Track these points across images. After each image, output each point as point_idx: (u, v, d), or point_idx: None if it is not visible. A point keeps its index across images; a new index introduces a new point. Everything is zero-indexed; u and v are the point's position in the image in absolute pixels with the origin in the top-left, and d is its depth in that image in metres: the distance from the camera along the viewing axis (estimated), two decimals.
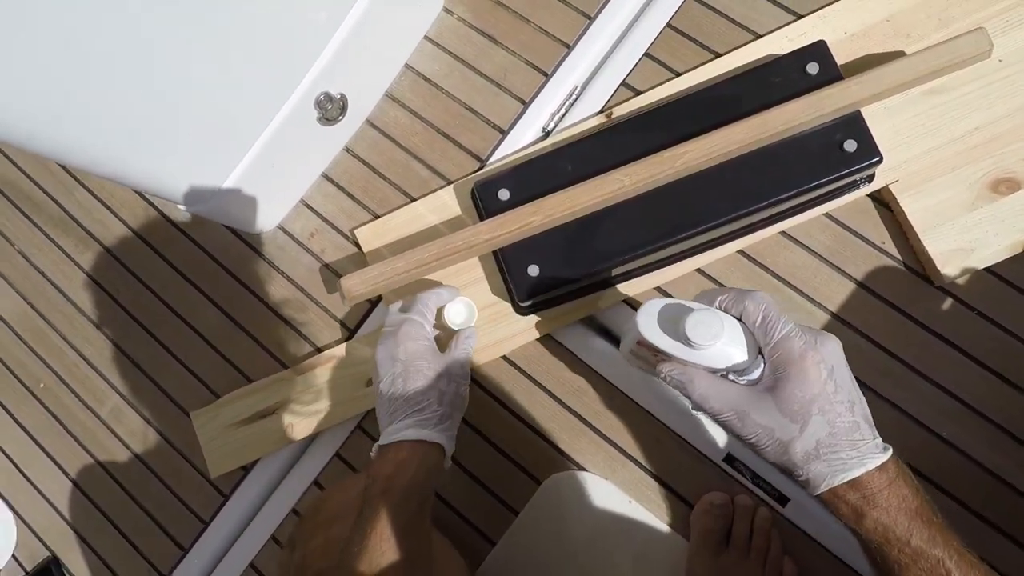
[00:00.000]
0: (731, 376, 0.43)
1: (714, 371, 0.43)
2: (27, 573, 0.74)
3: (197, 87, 0.55)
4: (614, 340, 0.64)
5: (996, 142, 0.58)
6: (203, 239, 0.75)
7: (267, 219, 0.71)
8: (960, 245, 0.58)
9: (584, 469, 0.63)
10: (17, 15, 0.42)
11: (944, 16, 0.61)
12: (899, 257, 0.60)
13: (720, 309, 0.43)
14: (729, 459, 0.60)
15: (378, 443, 0.52)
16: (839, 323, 0.60)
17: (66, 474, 0.75)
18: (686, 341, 0.41)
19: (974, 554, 0.39)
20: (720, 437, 0.61)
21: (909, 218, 0.58)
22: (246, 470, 0.70)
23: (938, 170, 0.58)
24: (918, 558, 0.37)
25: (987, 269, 0.58)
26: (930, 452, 0.57)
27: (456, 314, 0.61)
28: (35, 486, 0.76)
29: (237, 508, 0.69)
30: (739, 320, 0.43)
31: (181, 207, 0.64)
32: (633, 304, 0.63)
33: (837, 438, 0.39)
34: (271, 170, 0.66)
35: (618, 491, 0.62)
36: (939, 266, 0.57)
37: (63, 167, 0.80)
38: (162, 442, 0.73)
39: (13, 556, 0.75)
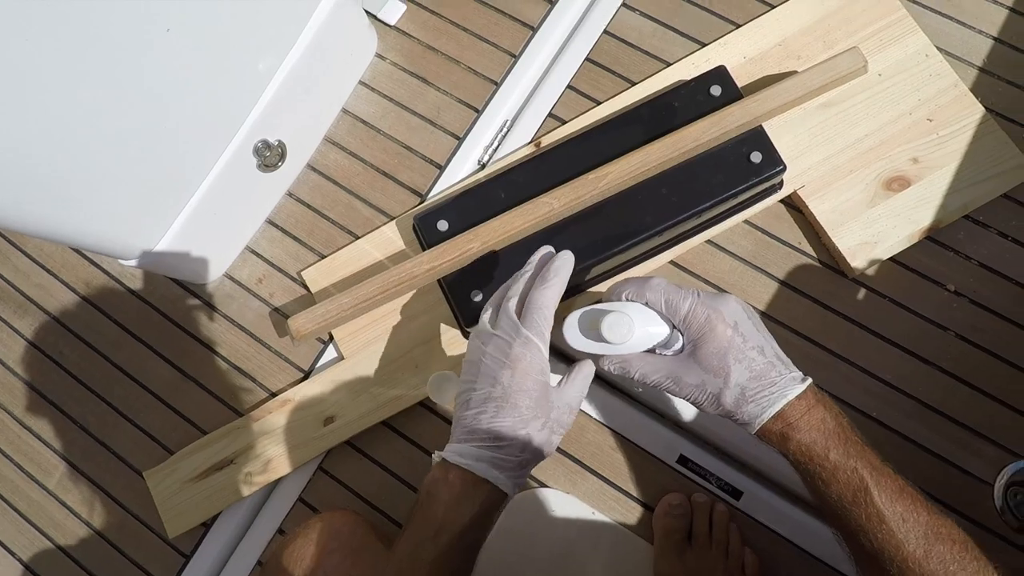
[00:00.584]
0: (659, 351, 0.48)
1: (645, 352, 0.48)
2: None
3: (132, 140, 0.55)
4: (564, 357, 0.66)
5: (884, 146, 0.64)
6: (148, 293, 0.74)
7: (213, 268, 0.71)
8: (865, 239, 0.63)
9: (546, 486, 0.64)
10: None
11: (828, 39, 0.67)
12: (814, 255, 0.65)
13: (627, 300, 0.47)
14: (682, 460, 0.63)
15: (445, 454, 0.45)
16: (768, 320, 0.64)
17: (13, 555, 0.71)
18: (606, 341, 0.46)
19: (890, 466, 0.43)
20: (672, 440, 0.63)
21: (818, 219, 0.63)
22: (207, 526, 0.68)
23: (838, 174, 0.64)
24: (836, 470, 0.42)
25: (891, 259, 0.64)
26: (862, 431, 0.61)
27: (610, 328, 0.45)
28: None
29: (200, 567, 0.67)
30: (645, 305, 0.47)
31: (123, 262, 0.64)
32: None
33: (757, 380, 0.44)
34: (213, 219, 0.67)
35: (581, 504, 0.63)
36: (849, 260, 0.62)
37: None
38: (116, 507, 0.70)
39: None
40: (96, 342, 0.73)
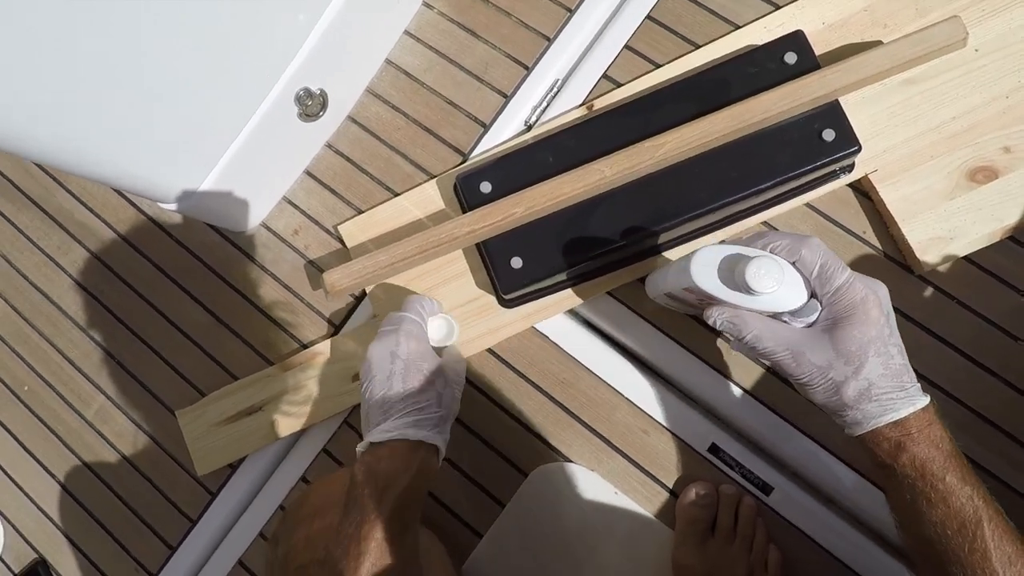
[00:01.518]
0: (785, 318, 0.43)
1: (766, 314, 0.42)
2: (14, 575, 0.73)
3: (175, 84, 0.54)
4: (598, 332, 0.64)
5: (973, 131, 0.58)
6: (186, 238, 0.73)
7: (250, 217, 0.70)
8: (939, 234, 0.57)
9: (570, 460, 0.62)
10: None
11: (921, 6, 0.60)
12: (879, 246, 0.60)
13: (772, 253, 0.42)
14: (714, 449, 0.60)
15: (368, 440, 0.50)
16: None
17: (53, 476, 0.74)
18: (746, 289, 0.40)
19: (998, 503, 0.40)
20: (705, 428, 0.60)
21: (888, 207, 0.58)
22: (233, 468, 0.69)
23: (916, 159, 0.58)
24: (949, 494, 0.38)
25: (966, 258, 0.58)
26: None
27: (436, 330, 0.57)
28: (21, 489, 0.74)
29: (224, 506, 0.68)
30: (792, 265, 0.42)
31: (163, 205, 0.63)
32: (616, 296, 0.63)
33: (888, 380, 0.40)
34: (252, 167, 0.65)
35: (604, 482, 0.61)
36: (919, 255, 0.57)
37: (42, 168, 0.78)
38: (149, 442, 0.71)
39: (0, 559, 0.74)
40: (134, 281, 0.74)
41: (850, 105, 0.57)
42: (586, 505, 0.61)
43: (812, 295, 0.42)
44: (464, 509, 0.63)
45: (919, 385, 0.42)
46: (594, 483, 0.61)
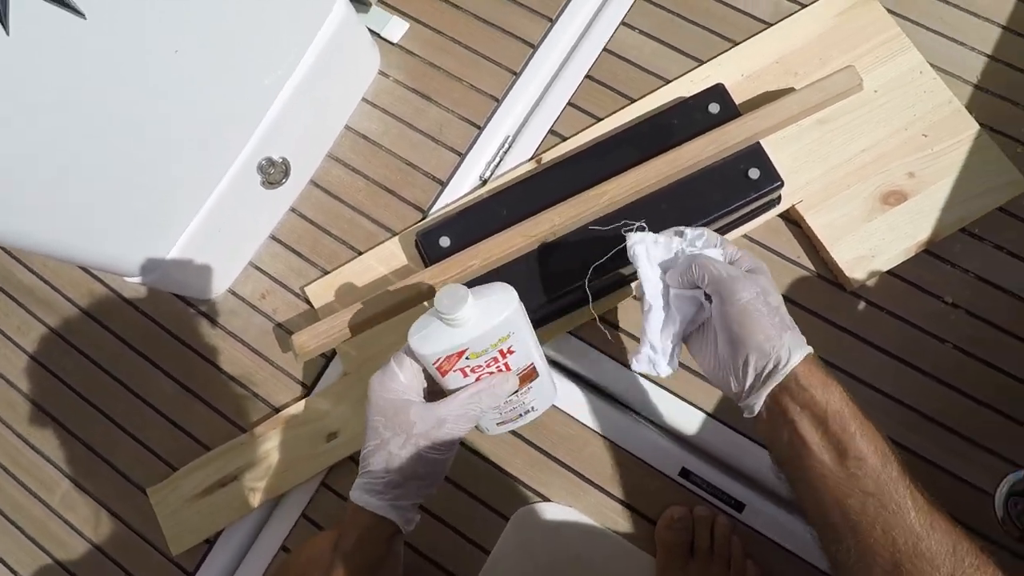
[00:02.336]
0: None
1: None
2: None
3: (138, 160, 0.55)
4: (565, 370, 0.66)
5: (880, 161, 0.64)
6: (152, 310, 0.73)
7: (217, 284, 0.71)
8: (863, 253, 0.63)
9: (549, 500, 0.63)
10: None
11: (824, 56, 0.68)
12: (813, 268, 0.65)
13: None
14: (684, 473, 0.62)
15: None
16: None
17: (14, 573, 0.70)
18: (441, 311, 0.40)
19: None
20: (674, 453, 0.62)
21: (816, 233, 0.63)
22: (210, 543, 0.67)
23: (835, 188, 0.64)
24: (868, 426, 0.40)
25: (889, 272, 0.63)
26: None
27: (441, 299, 0.41)
28: None
29: None
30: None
31: (128, 279, 0.63)
32: (577, 335, 0.65)
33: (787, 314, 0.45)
34: (218, 236, 0.66)
35: (584, 517, 0.62)
36: (848, 273, 0.62)
37: (2, 248, 0.77)
38: (119, 525, 0.69)
39: None
40: (99, 357, 0.72)
41: (772, 145, 0.63)
42: (569, 542, 0.62)
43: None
44: (449, 560, 0.63)
45: None
46: (574, 519, 0.62)
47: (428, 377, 0.45)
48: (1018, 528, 0.57)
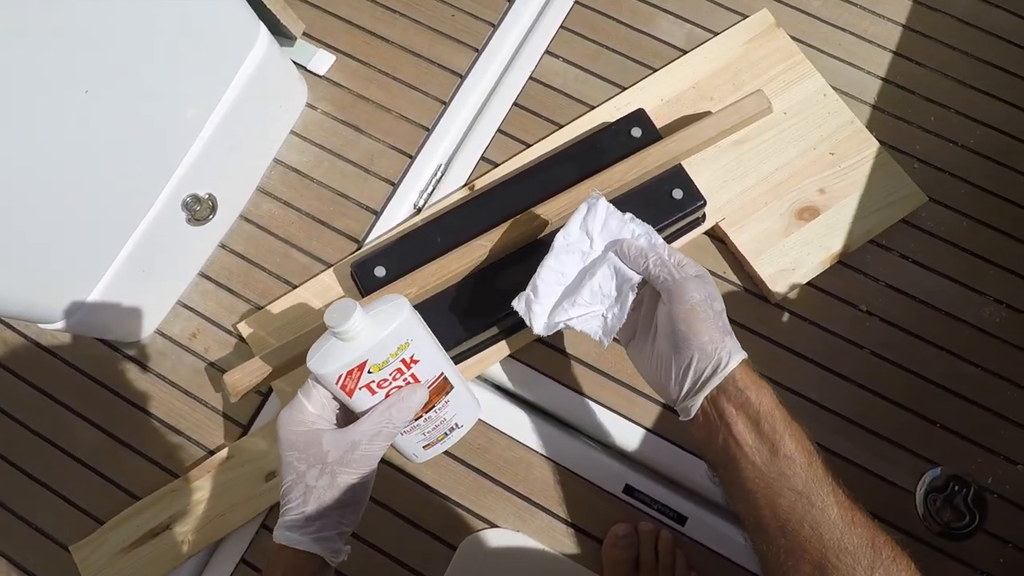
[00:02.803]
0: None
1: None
2: None
3: (52, 202, 0.53)
4: (507, 393, 0.66)
5: (794, 178, 0.67)
6: (73, 356, 0.69)
7: (143, 326, 0.68)
8: (783, 266, 0.65)
9: (496, 525, 0.62)
10: None
11: (737, 81, 0.71)
12: (739, 283, 0.67)
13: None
14: (628, 490, 0.62)
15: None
16: None
17: None
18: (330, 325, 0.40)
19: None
20: (617, 471, 0.63)
21: (739, 248, 0.66)
22: None
23: (754, 206, 0.67)
24: (794, 429, 0.42)
25: (809, 283, 0.66)
26: None
27: (330, 314, 0.40)
28: None
29: None
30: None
31: (45, 326, 0.60)
32: (518, 357, 0.66)
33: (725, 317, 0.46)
34: (142, 276, 0.63)
35: (531, 541, 0.62)
36: (770, 286, 0.65)
37: None
38: None
39: None
40: (14, 409, 0.68)
41: (693, 166, 0.66)
42: (518, 567, 0.61)
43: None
44: None
45: None
46: (522, 544, 0.62)
47: (341, 406, 0.44)
48: (937, 523, 0.59)
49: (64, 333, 0.69)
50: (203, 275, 0.70)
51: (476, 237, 0.60)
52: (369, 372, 0.40)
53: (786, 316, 0.66)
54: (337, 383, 0.41)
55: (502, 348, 0.65)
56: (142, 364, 0.68)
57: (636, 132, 0.63)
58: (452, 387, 0.45)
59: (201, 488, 0.63)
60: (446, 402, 0.45)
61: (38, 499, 0.66)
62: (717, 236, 0.68)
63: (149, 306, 0.68)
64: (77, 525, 0.65)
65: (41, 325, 0.59)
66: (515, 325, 0.64)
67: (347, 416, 0.44)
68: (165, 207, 0.62)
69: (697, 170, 0.66)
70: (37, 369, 0.69)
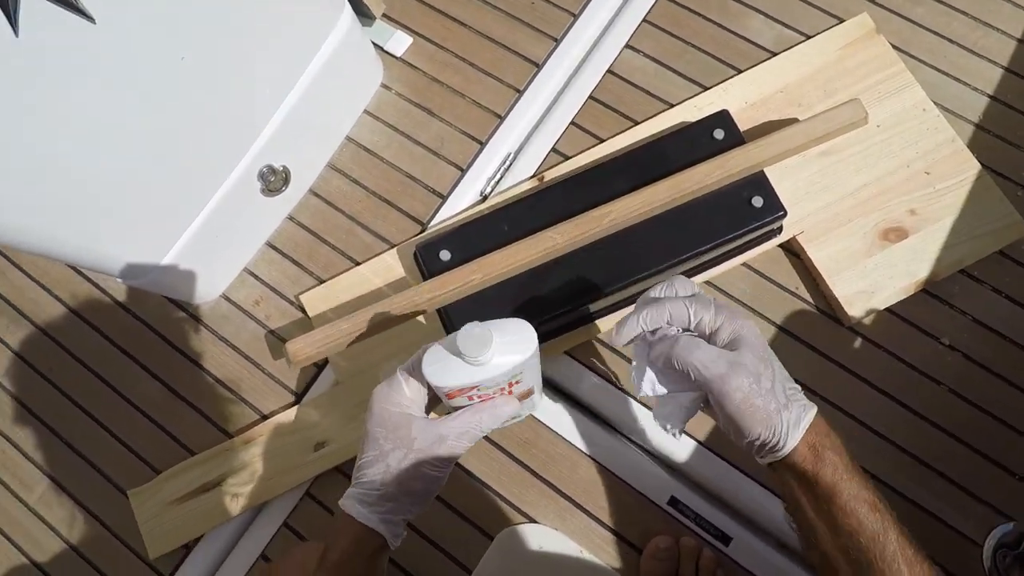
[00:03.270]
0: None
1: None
2: None
3: (140, 162, 0.54)
4: (558, 391, 0.65)
5: (883, 196, 0.63)
6: (142, 311, 0.72)
7: (210, 289, 0.69)
8: (862, 288, 0.62)
9: (535, 521, 0.62)
10: None
11: (829, 88, 0.67)
12: (811, 301, 0.64)
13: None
14: (673, 502, 0.60)
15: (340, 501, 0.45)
16: None
17: None
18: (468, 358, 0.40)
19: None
20: (664, 481, 0.61)
21: (816, 265, 0.62)
22: (188, 548, 0.65)
23: (837, 221, 0.63)
24: (858, 503, 0.39)
25: (888, 309, 0.62)
26: None
27: (466, 341, 0.39)
28: None
29: None
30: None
31: (121, 281, 0.62)
32: (573, 355, 0.64)
33: (788, 381, 0.41)
34: (214, 241, 0.65)
35: (569, 541, 0.61)
36: (846, 308, 0.61)
37: None
38: (97, 526, 0.67)
39: None
40: (86, 358, 0.71)
41: (775, 174, 0.62)
42: (553, 566, 0.60)
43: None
44: (429, 575, 0.61)
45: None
46: (559, 543, 0.61)
47: (431, 391, 0.44)
48: None
49: (137, 289, 0.72)
50: (270, 245, 0.71)
51: (544, 229, 0.58)
52: (478, 390, 0.42)
53: (859, 341, 0.62)
54: (445, 392, 0.42)
55: (558, 344, 0.63)
56: (206, 325, 0.70)
57: (719, 134, 0.60)
58: (533, 393, 0.46)
59: (252, 451, 0.65)
60: (522, 404, 0.46)
61: (101, 443, 0.69)
62: (793, 250, 0.65)
63: (218, 270, 0.69)
64: (135, 471, 0.67)
65: (119, 280, 0.62)
66: (574, 321, 0.62)
67: (432, 405, 0.45)
68: (242, 176, 0.63)
69: (778, 179, 0.62)
70: (109, 322, 0.72)
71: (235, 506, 0.63)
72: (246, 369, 0.69)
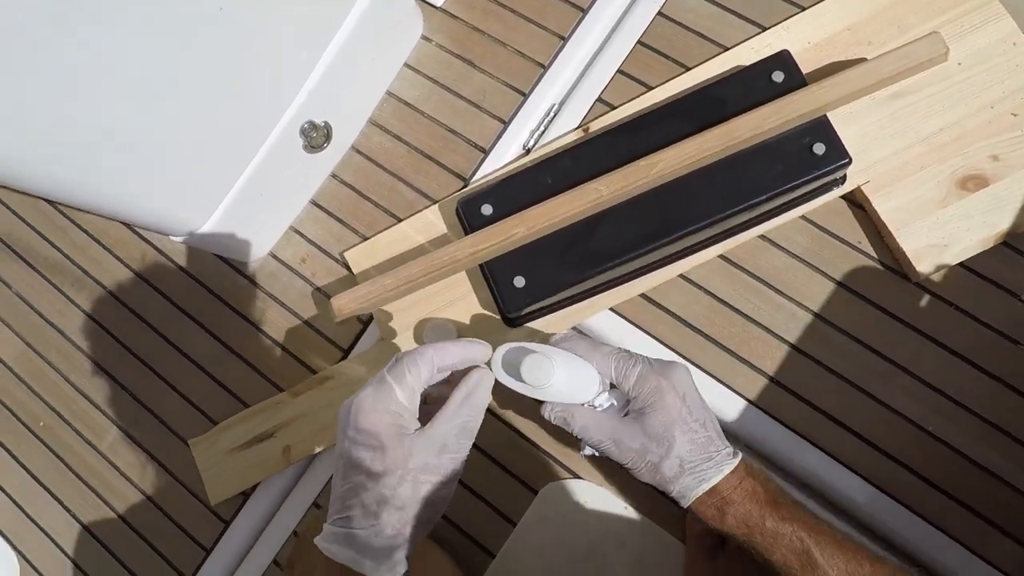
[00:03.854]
0: (595, 403, 0.46)
1: (582, 404, 0.46)
2: None
3: (184, 119, 0.55)
4: None
5: (961, 141, 0.58)
6: (196, 270, 0.73)
7: (258, 247, 0.71)
8: (933, 241, 0.57)
9: (579, 477, 0.61)
10: (12, 57, 0.41)
11: (903, 23, 0.61)
12: (875, 256, 0.60)
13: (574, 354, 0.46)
14: None
15: (317, 538, 0.37)
16: (822, 322, 0.59)
17: (68, 510, 0.73)
18: (526, 382, 0.43)
19: (826, 523, 0.43)
20: None
21: (882, 217, 0.58)
22: (246, 495, 0.68)
23: (907, 170, 0.58)
24: (776, 537, 0.41)
25: (961, 264, 0.58)
26: (917, 447, 0.56)
27: (530, 369, 0.41)
28: (37, 524, 0.74)
29: (238, 534, 0.68)
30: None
31: (173, 239, 0.63)
32: (619, 312, 0.63)
33: (696, 453, 0.43)
34: (260, 199, 0.65)
35: (614, 497, 0.60)
36: (914, 263, 0.57)
37: (56, 207, 0.79)
38: (162, 472, 0.71)
39: None
40: (146, 315, 0.74)
41: (840, 119, 0.58)
42: (597, 522, 0.60)
43: (612, 386, 0.46)
44: (474, 528, 0.62)
45: (728, 449, 0.45)
46: (604, 499, 0.60)
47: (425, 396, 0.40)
48: None
49: (191, 249, 0.73)
50: (315, 203, 0.72)
51: (588, 181, 0.56)
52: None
53: (927, 299, 0.58)
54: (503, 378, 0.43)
55: (604, 299, 0.62)
56: (256, 283, 0.72)
57: (778, 77, 0.56)
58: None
59: (302, 404, 0.66)
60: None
61: (164, 396, 0.72)
62: (856, 201, 0.60)
63: (264, 229, 0.70)
64: (194, 422, 0.70)
65: (171, 238, 0.63)
66: (622, 276, 0.60)
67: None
68: (284, 132, 0.63)
69: (844, 124, 0.58)
70: (164, 279, 0.74)
71: (288, 456, 0.66)
72: (295, 325, 0.70)
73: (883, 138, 0.59)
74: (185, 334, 0.72)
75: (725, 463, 0.43)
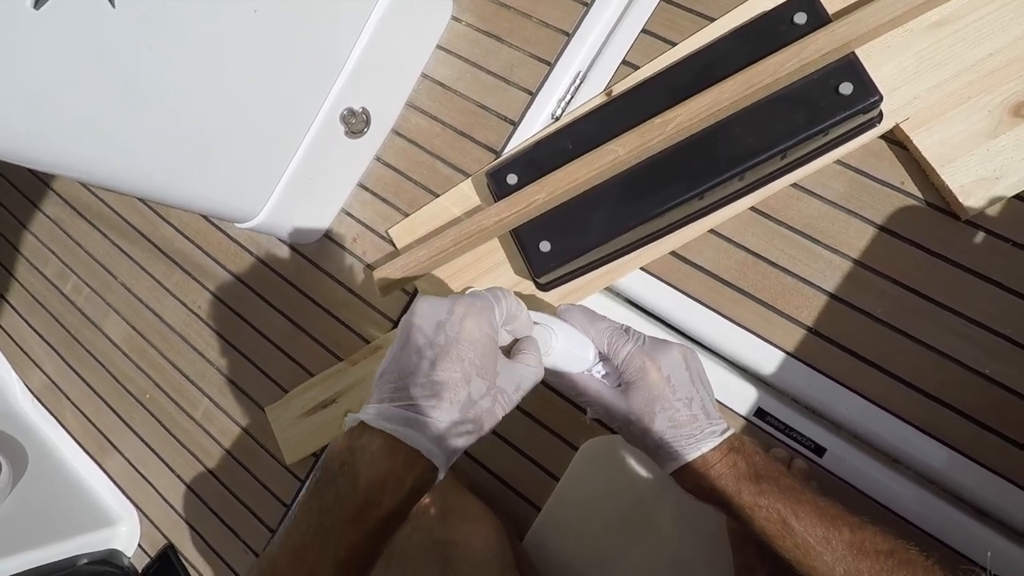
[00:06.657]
0: (594, 371, 0.48)
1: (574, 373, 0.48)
2: (151, 559, 0.84)
3: (234, 117, 0.61)
4: (636, 307, 0.65)
5: (1013, 66, 0.54)
6: (264, 255, 0.82)
7: (314, 230, 0.77)
8: (983, 175, 0.54)
9: (618, 432, 0.63)
10: (91, 71, 0.49)
11: None
12: (920, 196, 0.57)
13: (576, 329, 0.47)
14: (760, 413, 0.59)
15: (360, 416, 0.36)
16: (861, 268, 0.58)
17: (173, 471, 0.84)
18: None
19: (810, 496, 0.43)
20: (750, 393, 0.60)
21: (925, 154, 0.55)
22: (316, 456, 0.76)
23: (951, 102, 0.55)
24: (753, 508, 0.42)
25: (1017, 196, 0.54)
26: (973, 391, 0.54)
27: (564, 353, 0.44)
28: (150, 483, 0.85)
29: None
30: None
31: (239, 226, 0.71)
32: (650, 271, 0.64)
33: (676, 430, 0.45)
34: (310, 185, 0.72)
35: None
36: (962, 199, 0.54)
37: (147, 205, 0.90)
38: (245, 437, 0.80)
39: (139, 545, 0.85)
40: (225, 297, 0.83)
41: (874, 56, 0.55)
42: (637, 478, 0.62)
43: (605, 357, 0.47)
44: (518, 481, 0.66)
45: (715, 428, 0.45)
46: (642, 456, 0.62)
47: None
48: None
49: (256, 235, 0.82)
50: (362, 186, 0.78)
51: (607, 142, 0.58)
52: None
53: (980, 236, 0.55)
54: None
55: (634, 259, 0.63)
56: (314, 263, 0.79)
57: (800, 18, 0.55)
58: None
59: (359, 371, 0.73)
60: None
61: (242, 367, 0.81)
62: (897, 140, 0.58)
63: (318, 213, 0.77)
64: (268, 391, 0.79)
65: (237, 225, 0.71)
66: (650, 235, 0.61)
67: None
68: (326, 120, 0.68)
69: (880, 61, 0.56)
70: (238, 263, 0.83)
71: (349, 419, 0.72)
72: (350, 300, 0.77)
73: (924, 71, 0.56)
74: (258, 312, 0.81)
75: (705, 441, 0.44)
